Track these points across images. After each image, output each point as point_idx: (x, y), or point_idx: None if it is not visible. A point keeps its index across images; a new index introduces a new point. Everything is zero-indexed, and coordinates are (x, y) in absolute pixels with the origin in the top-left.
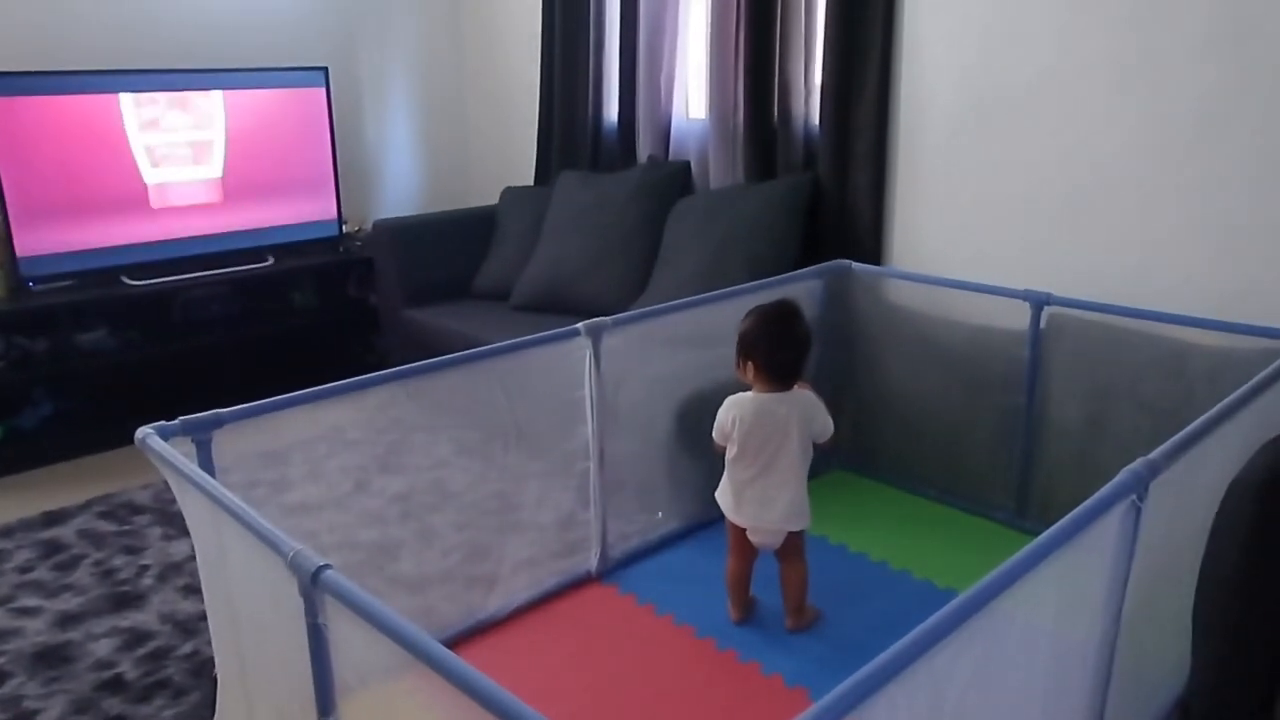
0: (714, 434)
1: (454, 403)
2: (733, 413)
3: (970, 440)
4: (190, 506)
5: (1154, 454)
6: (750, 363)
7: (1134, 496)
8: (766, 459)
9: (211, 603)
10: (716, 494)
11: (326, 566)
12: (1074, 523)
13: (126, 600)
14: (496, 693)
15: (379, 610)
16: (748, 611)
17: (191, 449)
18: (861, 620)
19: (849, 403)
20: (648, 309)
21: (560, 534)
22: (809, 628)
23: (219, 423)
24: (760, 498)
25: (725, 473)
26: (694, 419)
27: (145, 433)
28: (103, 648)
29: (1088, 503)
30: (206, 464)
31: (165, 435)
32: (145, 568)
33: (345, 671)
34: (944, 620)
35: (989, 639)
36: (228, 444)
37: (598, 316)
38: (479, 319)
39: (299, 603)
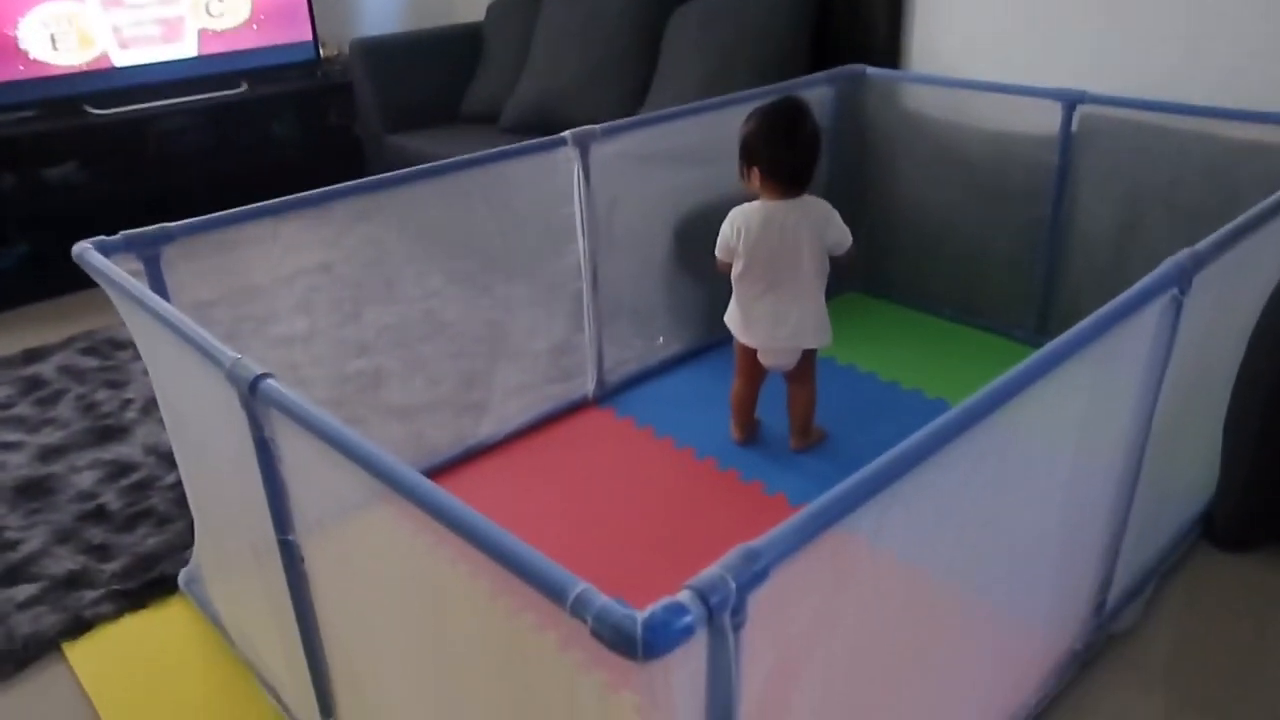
0: (717, 250)
1: (442, 230)
2: (737, 224)
3: (990, 255)
4: (134, 326)
5: (1200, 245)
6: (754, 168)
7: (1176, 289)
8: (775, 273)
9: (171, 428)
10: (725, 317)
11: (266, 376)
12: (1109, 316)
13: (109, 433)
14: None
15: (323, 420)
16: (751, 433)
17: (139, 268)
18: (870, 440)
19: (862, 220)
20: (641, 117)
21: (555, 360)
22: (814, 448)
23: (167, 237)
24: (771, 315)
25: (734, 291)
26: (695, 238)
27: (83, 247)
28: (85, 480)
29: (1125, 295)
30: (158, 285)
31: (107, 251)
32: (128, 401)
33: (300, 491)
34: (960, 418)
35: (1007, 440)
36: (186, 268)
37: None
38: (466, 143)
39: (243, 417)
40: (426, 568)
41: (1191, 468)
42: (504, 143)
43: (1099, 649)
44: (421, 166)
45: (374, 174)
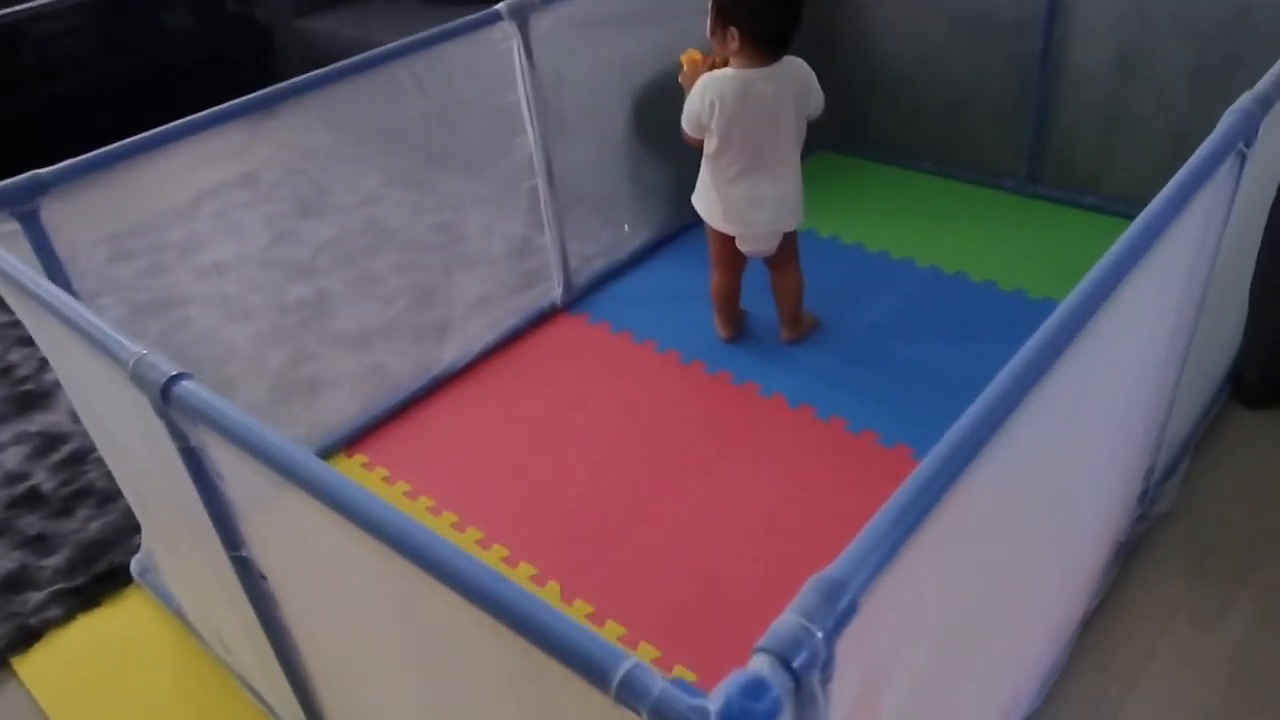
0: (684, 124)
1: (372, 127)
2: (709, 96)
3: (975, 100)
4: (15, 307)
5: (1263, 85)
6: (733, 29)
7: (1242, 143)
8: (754, 149)
9: (88, 425)
10: (694, 198)
11: (181, 376)
12: (1186, 185)
13: (30, 401)
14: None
15: (261, 436)
16: (739, 328)
17: (15, 228)
18: (865, 322)
19: (831, 69)
20: None
21: (515, 264)
22: (807, 338)
23: (40, 187)
24: (749, 197)
25: (703, 171)
26: (656, 113)
27: None
28: (11, 458)
29: (1194, 162)
30: (42, 246)
31: None
32: (46, 360)
33: (247, 504)
34: (1051, 338)
35: (1097, 345)
36: (74, 212)
37: None
38: (388, 21)
39: (161, 426)
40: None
41: (1224, 331)
42: (430, 16)
43: (1140, 537)
44: (341, 64)
45: (285, 63)
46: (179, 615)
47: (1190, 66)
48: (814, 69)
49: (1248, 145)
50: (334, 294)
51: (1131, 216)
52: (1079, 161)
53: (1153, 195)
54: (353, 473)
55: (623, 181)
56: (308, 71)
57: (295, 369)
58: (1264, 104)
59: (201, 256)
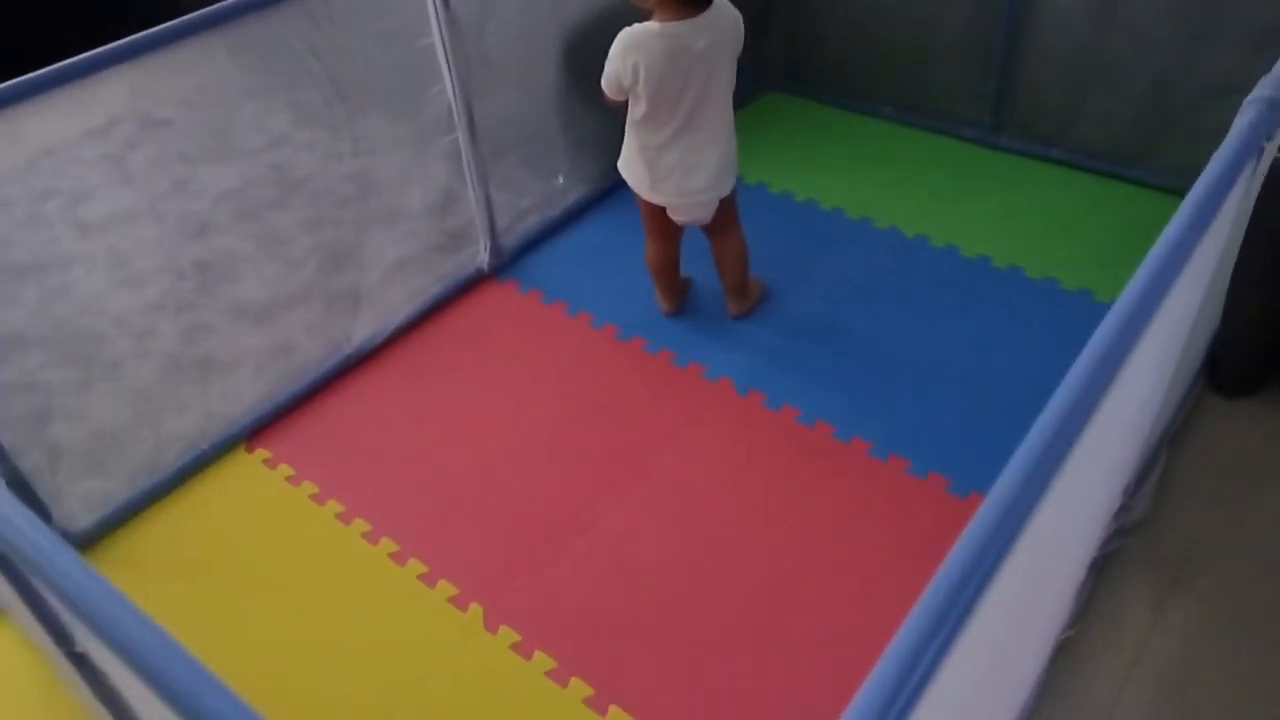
0: (604, 86)
1: (277, 68)
2: (633, 58)
3: (937, 42)
4: None
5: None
6: None
7: (1264, 138)
8: (687, 111)
9: None
10: (620, 165)
11: None
12: (1215, 186)
13: None
14: None
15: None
16: (681, 299)
17: None
18: (819, 291)
19: (781, 6)
20: None
21: (438, 221)
22: (755, 309)
23: None
24: (682, 163)
25: (628, 137)
26: (592, 55)
27: None
28: None
29: (1222, 156)
30: None
31: None
32: None
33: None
34: (1104, 356)
35: (1133, 374)
36: None
37: None
38: None
39: None
40: None
41: (1204, 317)
42: None
43: (1113, 549)
44: (219, 7)
45: None
46: None
47: (1175, 10)
48: (761, 7)
49: (1268, 139)
50: (235, 254)
51: (1100, 172)
52: (1047, 111)
53: (1126, 149)
54: (253, 473)
55: (555, 130)
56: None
57: (190, 344)
58: None
59: (88, 208)
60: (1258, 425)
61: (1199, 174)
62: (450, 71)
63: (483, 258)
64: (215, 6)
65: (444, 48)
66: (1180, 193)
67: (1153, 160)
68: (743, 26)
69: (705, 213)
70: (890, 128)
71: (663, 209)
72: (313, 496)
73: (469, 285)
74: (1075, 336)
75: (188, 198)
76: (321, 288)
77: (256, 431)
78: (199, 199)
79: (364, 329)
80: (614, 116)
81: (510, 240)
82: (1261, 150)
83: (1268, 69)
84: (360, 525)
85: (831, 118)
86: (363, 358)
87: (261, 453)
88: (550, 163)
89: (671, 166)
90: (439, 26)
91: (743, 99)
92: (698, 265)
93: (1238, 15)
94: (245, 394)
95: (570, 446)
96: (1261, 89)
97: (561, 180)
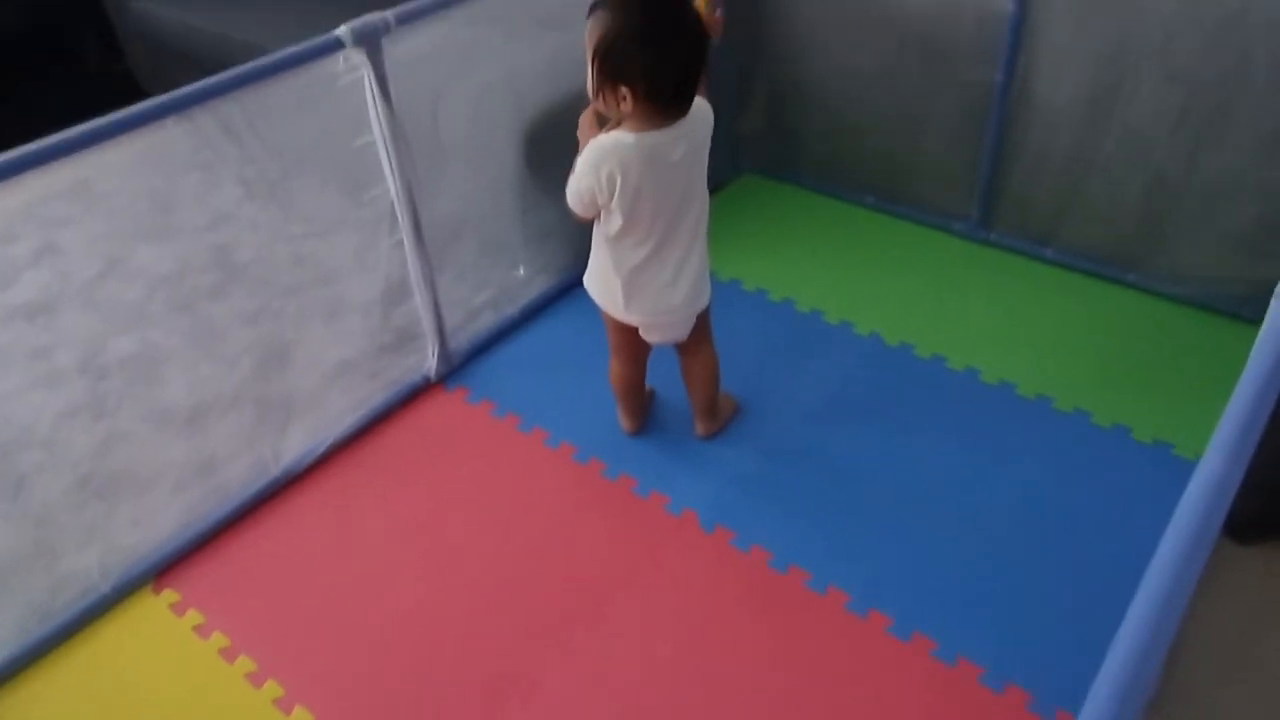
0: (572, 201)
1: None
2: (607, 169)
3: (923, 130)
4: None
5: None
6: (625, 89)
7: None
8: (664, 225)
9: None
10: (587, 282)
11: None
12: (1266, 382)
13: None
14: None
15: None
16: (644, 416)
17: None
18: (793, 407)
19: (760, 85)
20: None
21: (386, 316)
22: (725, 429)
23: None
24: (658, 280)
25: (598, 254)
26: (552, 140)
27: None
28: None
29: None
30: None
31: None
32: None
33: None
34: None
35: None
36: None
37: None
38: (236, 8)
39: None
40: None
41: None
42: (288, 3)
43: None
44: (141, 107)
45: (129, 46)
46: None
47: (1176, 111)
48: (741, 78)
49: None
50: (165, 350)
51: (1096, 275)
52: (1039, 208)
53: (1123, 251)
54: (157, 621)
55: (514, 220)
56: (158, 54)
57: (105, 457)
58: None
59: (11, 294)
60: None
61: (1200, 282)
62: (393, 173)
63: (430, 363)
64: (109, 119)
65: (385, 147)
66: (1180, 301)
67: (1151, 265)
68: (713, 117)
69: (681, 331)
70: (873, 217)
71: (634, 328)
72: (222, 651)
73: (414, 394)
74: (1071, 465)
75: (121, 282)
76: (254, 392)
77: (166, 568)
78: (133, 285)
79: (296, 444)
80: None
81: (462, 341)
82: None
83: (1270, 179)
84: (272, 690)
85: (811, 203)
86: (292, 478)
87: (169, 594)
88: (510, 253)
89: (647, 284)
90: (380, 125)
91: (719, 180)
92: (664, 378)
93: (1240, 117)
94: (158, 520)
95: (516, 591)
96: None
97: (522, 271)
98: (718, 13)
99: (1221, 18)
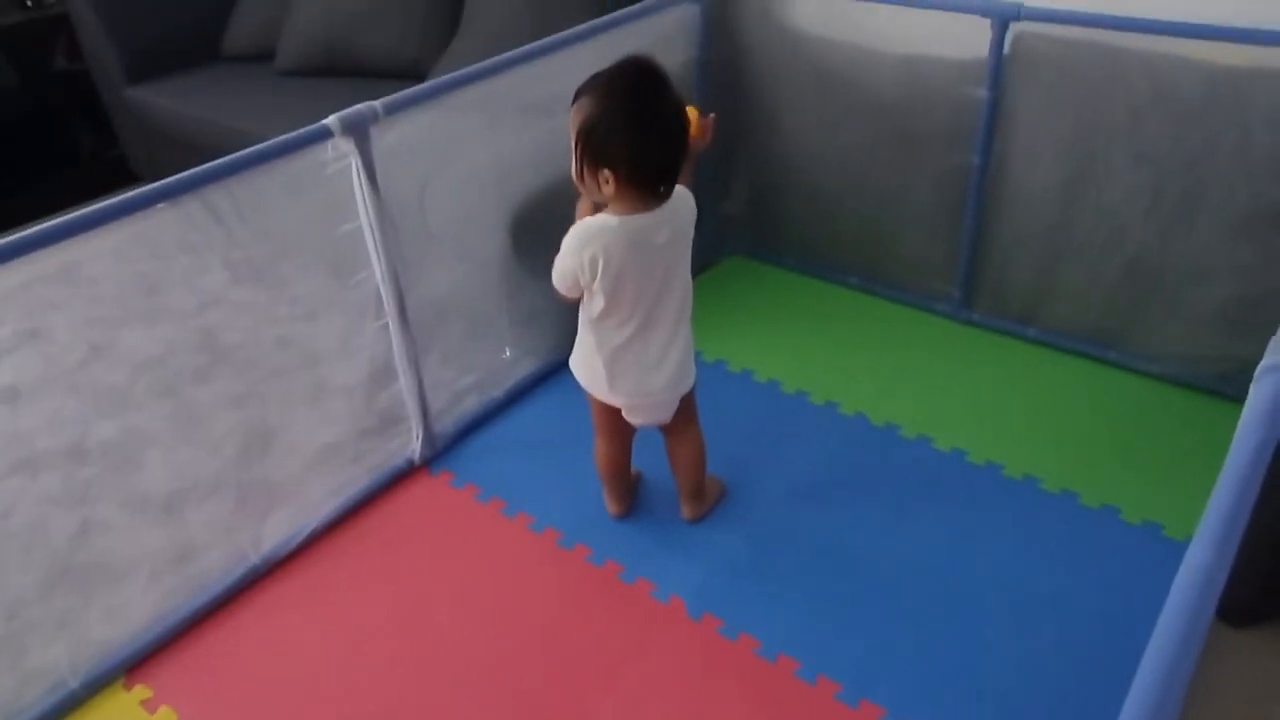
0: (557, 280)
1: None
2: (589, 252)
3: (903, 212)
4: None
5: None
6: (608, 172)
7: None
8: (647, 307)
9: None
10: (572, 364)
11: None
12: (1247, 472)
13: None
14: None
15: None
16: (630, 499)
17: None
18: (780, 489)
19: (742, 169)
20: (438, 82)
21: (370, 398)
22: (712, 512)
23: None
24: (641, 361)
25: (583, 335)
26: (537, 224)
27: None
28: None
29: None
30: None
31: None
32: None
33: None
34: None
35: None
36: None
37: (394, 78)
38: (230, 95)
39: None
40: None
41: None
42: (280, 92)
43: None
44: (131, 195)
45: (124, 133)
46: None
47: (1147, 194)
48: (724, 160)
49: None
50: (147, 435)
51: (1079, 353)
52: (1018, 287)
53: (1103, 330)
54: (128, 717)
55: (500, 303)
56: (150, 140)
57: (81, 545)
58: None
59: None
60: (1271, 656)
61: (1182, 360)
62: (379, 258)
63: (414, 447)
64: (102, 206)
65: (371, 233)
66: (1163, 379)
67: (1132, 343)
68: (695, 206)
69: (665, 413)
70: (856, 297)
71: (618, 410)
72: None
73: (397, 478)
74: (1061, 548)
75: (106, 366)
76: (236, 478)
77: (139, 662)
78: (117, 368)
79: (276, 531)
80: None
81: (447, 424)
82: None
83: (1245, 258)
84: None
85: (795, 284)
86: (271, 567)
87: (141, 690)
88: (496, 336)
89: (630, 365)
90: (366, 211)
91: (704, 262)
92: (650, 460)
93: (1211, 200)
94: (132, 612)
95: (498, 683)
96: (1275, 354)
97: (508, 354)
98: (708, 118)
99: (1186, 105)
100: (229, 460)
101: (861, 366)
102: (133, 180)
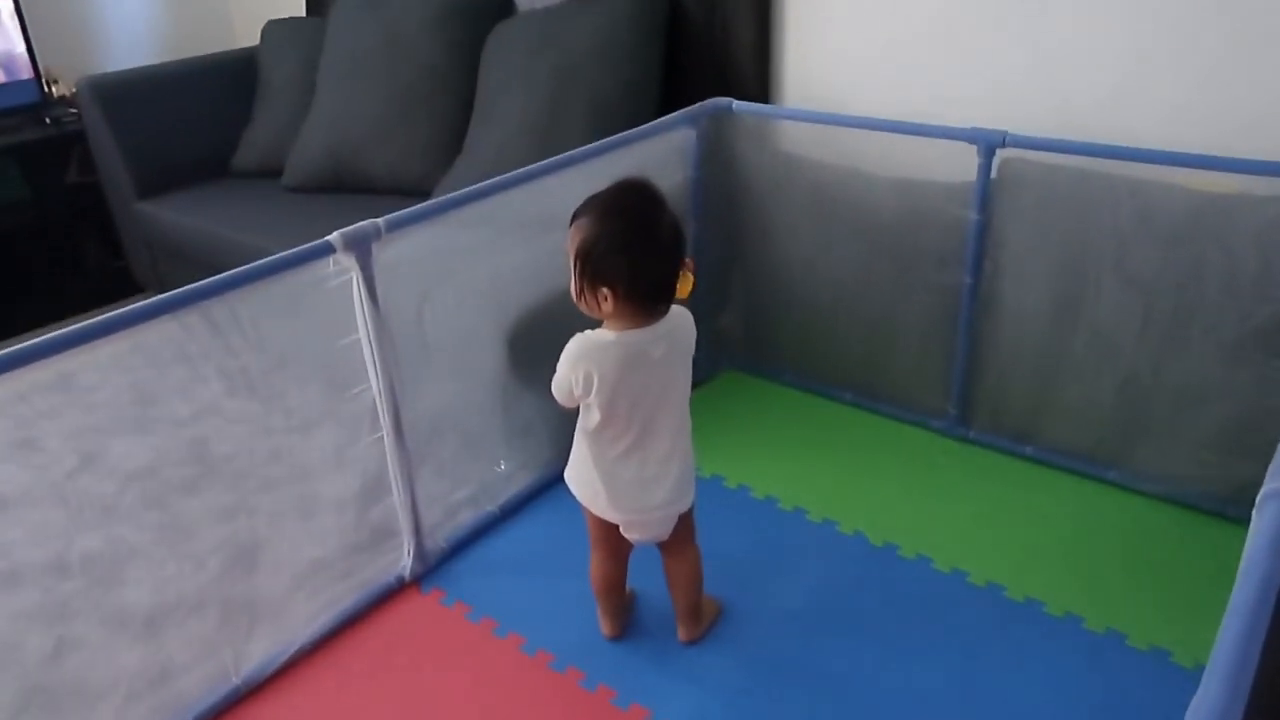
0: (555, 392)
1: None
2: (584, 367)
3: (897, 330)
4: None
5: None
6: (606, 290)
7: None
8: (643, 421)
9: None
10: (568, 477)
11: None
12: (1256, 606)
13: None
14: None
15: None
16: (624, 619)
17: None
18: (778, 611)
19: (738, 286)
20: (439, 200)
21: (362, 513)
22: (708, 633)
23: None
24: (639, 477)
25: (579, 447)
26: (532, 341)
27: None
28: None
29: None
30: None
31: None
32: None
33: None
34: None
35: None
36: None
37: (399, 194)
38: (239, 211)
39: None
40: None
41: None
42: (288, 208)
43: None
44: (136, 308)
45: (130, 246)
46: None
47: (1138, 316)
48: (722, 288)
49: None
50: (132, 548)
51: (1078, 473)
52: (1016, 406)
53: (1101, 449)
54: None
55: (495, 416)
56: (156, 254)
57: (56, 664)
58: None
59: None
60: None
61: (1181, 481)
62: (376, 371)
63: (405, 563)
64: (105, 318)
65: (370, 346)
66: (1163, 499)
67: (1131, 463)
68: (694, 326)
69: (663, 530)
70: (853, 413)
71: (616, 525)
72: None
73: (387, 595)
74: (1067, 674)
75: (95, 476)
76: (220, 593)
77: None
78: (107, 478)
79: (260, 650)
80: (558, 406)
81: (439, 539)
82: None
83: (1239, 380)
84: None
85: (791, 399)
86: (253, 688)
87: None
88: (491, 449)
89: (628, 481)
90: (365, 325)
91: (700, 376)
92: (644, 578)
93: (1201, 322)
94: None
95: None
96: (1275, 480)
97: (503, 466)
98: (688, 264)
99: (1171, 229)
100: (214, 575)
101: (859, 484)
102: (135, 289)
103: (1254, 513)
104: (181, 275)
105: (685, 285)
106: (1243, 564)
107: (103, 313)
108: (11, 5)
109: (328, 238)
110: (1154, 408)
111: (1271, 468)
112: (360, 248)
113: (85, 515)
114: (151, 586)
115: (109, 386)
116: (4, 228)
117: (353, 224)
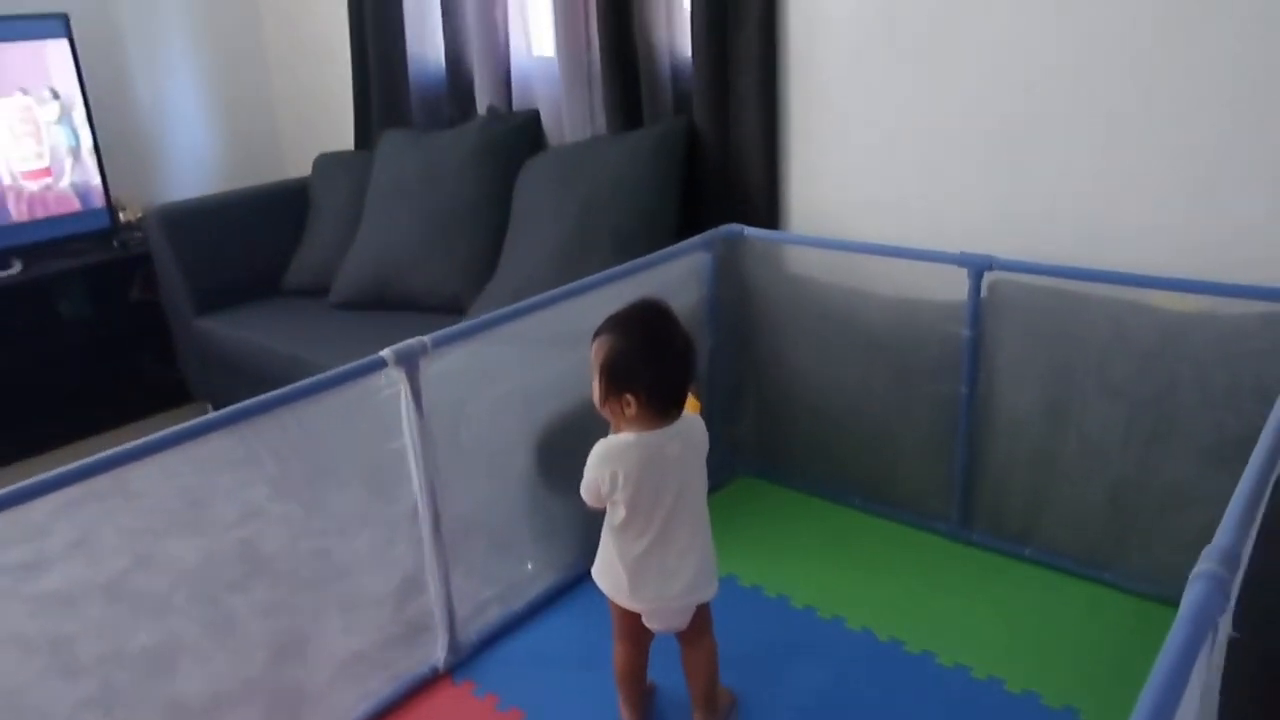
0: (584, 493)
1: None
2: (609, 468)
3: (900, 438)
4: None
5: (1222, 537)
6: (630, 396)
7: (1218, 613)
8: (664, 517)
9: None
10: (595, 572)
11: None
12: (1171, 679)
13: None
14: None
15: None
16: (645, 709)
17: None
18: (789, 702)
19: (751, 397)
20: (480, 319)
21: (399, 608)
22: None
23: None
24: (660, 569)
25: (606, 542)
26: (560, 446)
27: None
28: None
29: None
30: None
31: None
32: None
33: None
34: None
35: None
36: None
37: (437, 311)
38: (289, 327)
39: None
40: None
41: None
42: (335, 323)
43: None
44: (195, 424)
45: (185, 358)
46: None
47: (1121, 425)
48: (736, 400)
49: (1222, 613)
50: (184, 642)
51: (1073, 573)
52: (1012, 509)
53: (1095, 551)
54: None
55: (522, 519)
56: (209, 367)
57: None
58: (1231, 564)
59: (45, 580)
60: None
61: (1174, 582)
62: (419, 474)
63: (439, 655)
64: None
65: (414, 453)
66: (1156, 599)
67: (1124, 564)
68: (705, 428)
69: (682, 620)
70: (861, 517)
71: (638, 615)
72: None
73: (422, 685)
74: None
75: (147, 575)
76: (266, 685)
77: None
78: (159, 577)
79: None
80: (584, 508)
81: (470, 634)
82: (1216, 628)
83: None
84: None
85: (802, 504)
86: None
87: None
88: (519, 550)
89: (649, 573)
90: (410, 433)
91: (716, 482)
92: (663, 671)
93: (1181, 430)
94: None
95: None
96: (1206, 562)
97: (530, 566)
98: (694, 389)
99: (1146, 345)
100: (260, 668)
101: (867, 583)
102: (187, 398)
103: (1185, 590)
104: (232, 385)
105: (694, 405)
106: (1169, 635)
107: (156, 419)
108: (91, 142)
109: (380, 354)
110: (1142, 511)
111: (1205, 551)
112: (409, 362)
113: (138, 612)
114: (202, 679)
115: (161, 492)
116: (71, 341)
117: (394, 339)
